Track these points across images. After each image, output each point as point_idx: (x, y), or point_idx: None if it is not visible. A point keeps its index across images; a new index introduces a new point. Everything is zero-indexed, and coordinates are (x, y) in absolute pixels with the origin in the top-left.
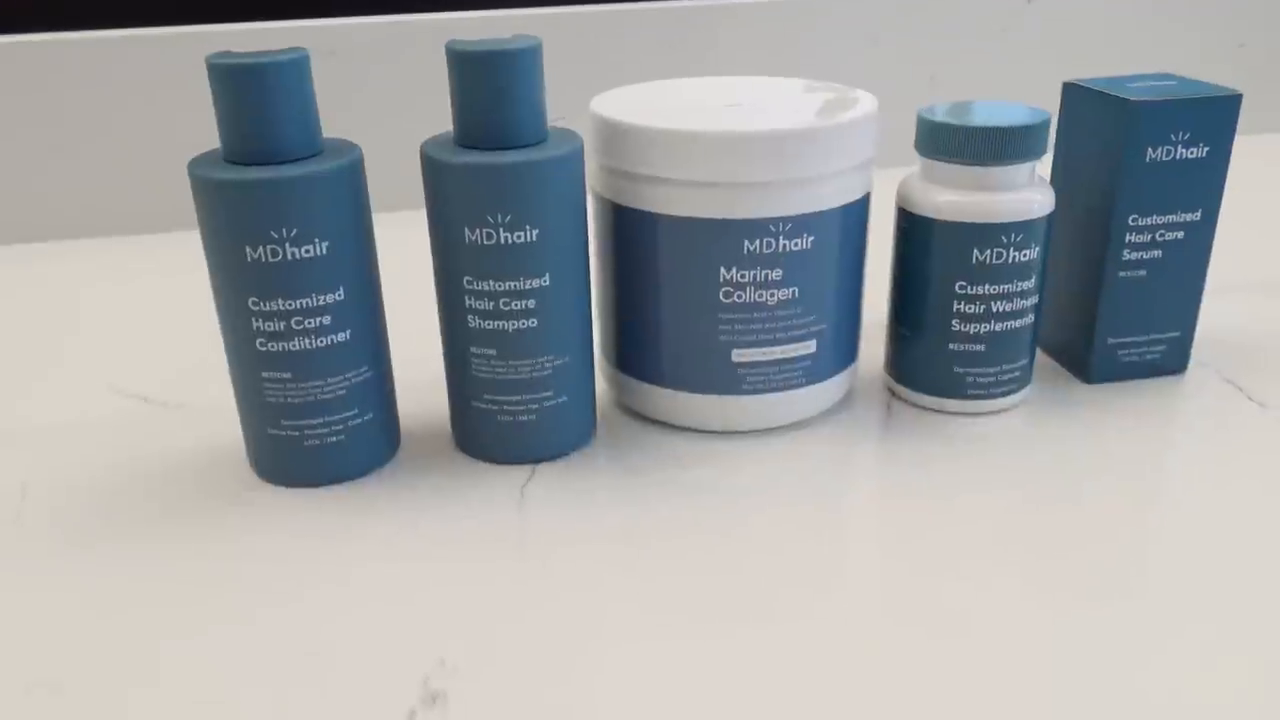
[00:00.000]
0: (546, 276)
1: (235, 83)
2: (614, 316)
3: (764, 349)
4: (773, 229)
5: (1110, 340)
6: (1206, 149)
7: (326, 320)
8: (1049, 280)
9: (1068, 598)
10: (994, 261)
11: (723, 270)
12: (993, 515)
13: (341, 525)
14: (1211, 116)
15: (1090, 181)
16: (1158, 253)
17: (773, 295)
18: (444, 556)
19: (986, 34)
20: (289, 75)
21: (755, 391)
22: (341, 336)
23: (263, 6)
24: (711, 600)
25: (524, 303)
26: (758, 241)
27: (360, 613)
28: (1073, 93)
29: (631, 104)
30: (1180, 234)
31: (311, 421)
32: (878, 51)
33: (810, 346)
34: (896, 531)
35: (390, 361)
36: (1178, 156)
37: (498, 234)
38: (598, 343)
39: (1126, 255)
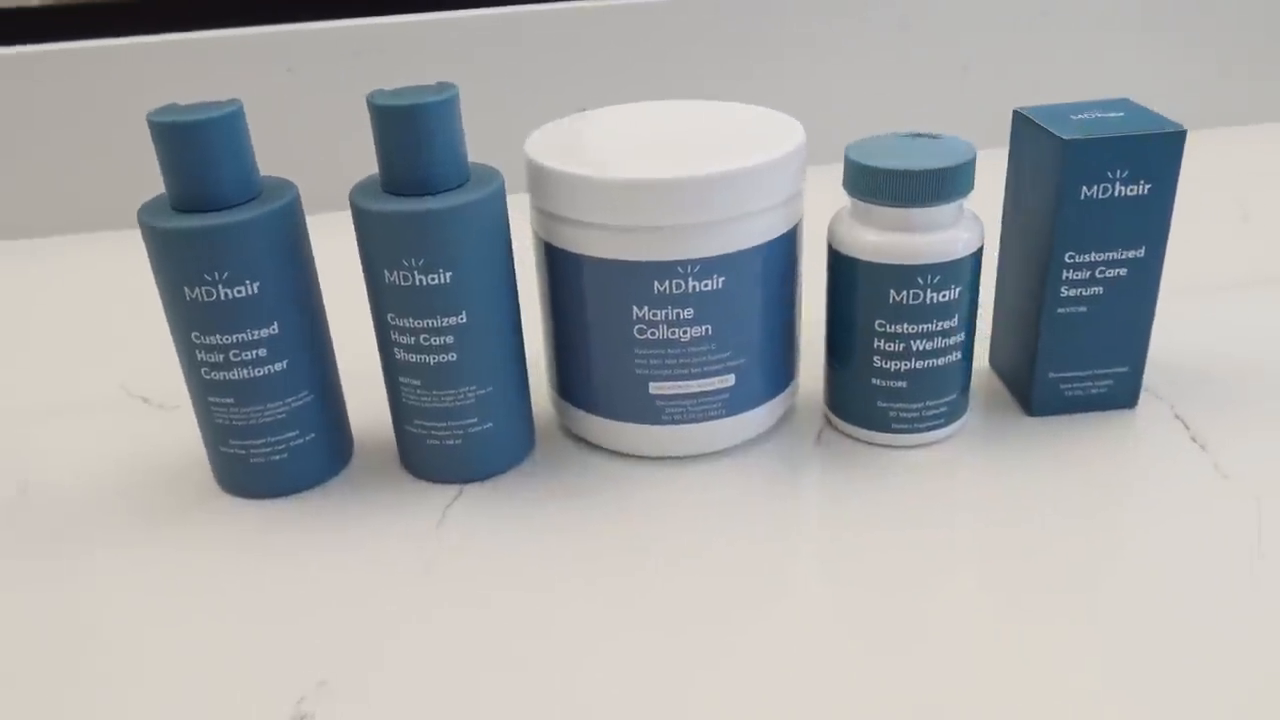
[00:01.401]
0: (463, 314)
1: (172, 139)
2: (553, 346)
3: (679, 383)
4: (681, 270)
5: (1051, 374)
6: (1148, 186)
7: (263, 352)
8: (1002, 307)
9: (983, 617)
10: (911, 302)
11: (635, 309)
12: (908, 544)
13: (268, 540)
14: (1152, 154)
15: (1033, 214)
16: (1098, 289)
17: (685, 333)
18: (352, 573)
19: (1022, 19)
20: (223, 130)
21: (674, 422)
22: (279, 366)
23: (292, 8)
24: (610, 621)
25: (442, 339)
26: (667, 282)
27: (257, 628)
28: (1019, 122)
29: (558, 143)
30: (1123, 271)
31: (255, 442)
32: (909, 39)
33: (729, 380)
34: (814, 556)
35: (337, 383)
36: (1116, 194)
37: (413, 276)
38: (544, 368)
39: (1065, 292)
